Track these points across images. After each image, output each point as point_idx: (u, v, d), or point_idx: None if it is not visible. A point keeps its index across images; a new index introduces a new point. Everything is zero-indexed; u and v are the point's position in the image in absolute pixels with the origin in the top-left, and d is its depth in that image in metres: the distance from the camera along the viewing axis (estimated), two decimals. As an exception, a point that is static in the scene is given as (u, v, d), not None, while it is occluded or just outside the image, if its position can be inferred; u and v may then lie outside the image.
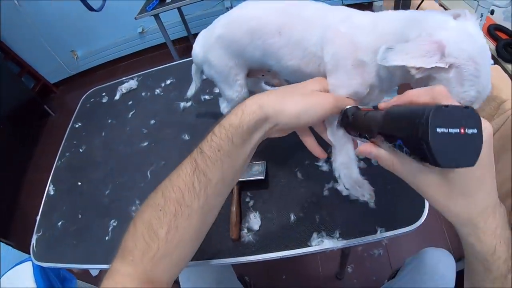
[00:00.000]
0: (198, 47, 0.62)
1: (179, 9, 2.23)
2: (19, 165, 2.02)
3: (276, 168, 0.68)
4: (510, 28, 1.45)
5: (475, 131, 0.24)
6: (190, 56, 0.67)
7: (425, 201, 0.57)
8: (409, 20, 0.41)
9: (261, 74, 0.64)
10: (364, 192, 0.50)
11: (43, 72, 2.51)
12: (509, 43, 1.46)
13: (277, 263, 1.41)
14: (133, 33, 2.67)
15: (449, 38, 0.37)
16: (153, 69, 1.08)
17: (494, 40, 1.46)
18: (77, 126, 1.01)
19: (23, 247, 1.30)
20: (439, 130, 0.23)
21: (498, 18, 1.48)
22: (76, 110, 1.08)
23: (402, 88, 0.50)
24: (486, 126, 0.31)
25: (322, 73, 0.48)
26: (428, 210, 0.56)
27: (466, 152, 0.24)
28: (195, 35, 0.66)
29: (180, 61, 1.07)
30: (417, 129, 0.24)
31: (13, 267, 1.01)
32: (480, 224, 0.32)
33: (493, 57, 1.49)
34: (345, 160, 0.50)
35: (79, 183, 0.84)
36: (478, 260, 0.33)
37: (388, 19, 0.43)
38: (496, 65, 1.48)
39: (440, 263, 0.72)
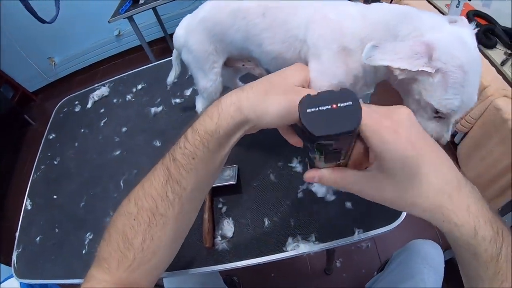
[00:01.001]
0: (181, 30, 0.62)
1: (154, 9, 2.20)
2: (1, 178, 1.99)
3: (248, 171, 0.68)
4: (489, 14, 1.47)
5: (349, 103, 0.26)
6: (167, 57, 0.66)
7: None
8: (402, 15, 0.41)
9: (242, 63, 0.63)
10: None
11: (21, 80, 2.46)
12: (489, 29, 1.48)
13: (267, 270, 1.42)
14: (110, 36, 2.63)
15: (440, 41, 0.37)
16: (124, 74, 1.07)
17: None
18: (51, 137, 1.00)
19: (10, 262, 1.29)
20: (309, 110, 0.26)
21: (477, 4, 1.49)
22: (50, 120, 1.07)
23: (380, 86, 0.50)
24: (403, 109, 0.30)
25: (303, 60, 0.47)
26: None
27: (343, 121, 0.25)
28: (172, 35, 0.65)
29: (151, 64, 1.06)
30: (299, 120, 0.26)
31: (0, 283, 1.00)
32: (446, 204, 0.29)
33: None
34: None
35: (55, 196, 0.83)
36: (463, 247, 0.30)
37: (380, 10, 0.43)
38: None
39: (428, 254, 0.73)
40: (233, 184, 0.64)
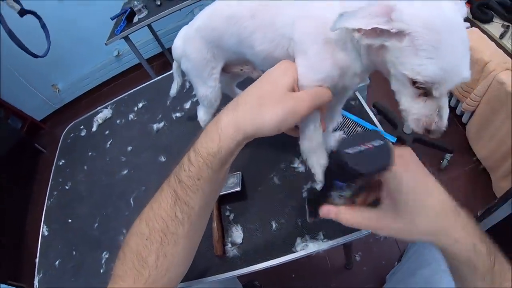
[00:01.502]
0: (179, 41, 0.65)
1: (149, 26, 2.24)
2: (20, 207, 2.05)
3: (252, 177, 0.70)
4: (481, -12, 1.45)
5: (381, 142, 0.30)
6: (167, 72, 0.68)
7: None
8: None
9: (240, 68, 0.65)
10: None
11: (28, 110, 2.54)
12: (483, 4, 1.46)
13: (283, 263, 1.42)
14: (110, 57, 2.69)
15: (404, 4, 0.35)
16: (125, 94, 1.10)
17: (468, 3, 1.45)
18: (61, 163, 1.03)
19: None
20: (350, 151, 0.30)
21: (467, -20, 1.47)
22: (58, 147, 1.10)
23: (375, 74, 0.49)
24: (404, 147, 0.35)
25: (291, 57, 0.48)
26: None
27: (380, 158, 0.30)
28: (170, 49, 0.68)
29: (149, 82, 1.08)
30: (338, 162, 0.31)
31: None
32: (447, 225, 0.34)
33: (469, 20, 1.49)
34: (312, 145, 0.51)
35: (69, 220, 0.86)
36: (463, 263, 0.34)
37: None
38: (473, 28, 1.47)
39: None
40: (238, 191, 0.65)
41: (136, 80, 2.74)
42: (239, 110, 0.39)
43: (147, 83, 1.09)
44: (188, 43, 0.62)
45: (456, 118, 1.66)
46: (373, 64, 0.43)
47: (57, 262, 0.79)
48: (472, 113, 1.48)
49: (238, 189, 0.65)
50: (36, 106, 2.63)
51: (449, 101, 1.66)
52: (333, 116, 0.64)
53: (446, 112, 0.41)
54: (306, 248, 0.56)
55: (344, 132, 0.73)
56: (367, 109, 0.79)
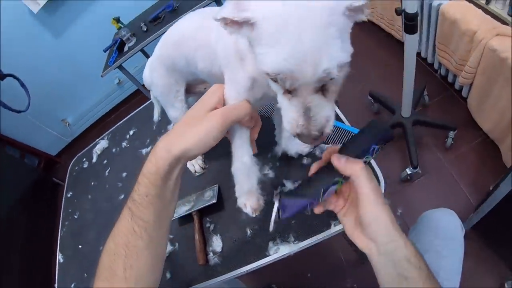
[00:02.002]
0: (146, 70, 0.73)
1: (143, 51, 2.37)
2: (45, 242, 2.21)
3: (228, 188, 0.76)
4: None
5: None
6: None
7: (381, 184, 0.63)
8: None
9: (203, 87, 0.73)
10: (248, 203, 0.52)
11: (42, 147, 2.74)
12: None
13: (298, 263, 1.48)
14: (112, 86, 2.86)
15: None
16: (119, 124, 1.21)
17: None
18: (69, 195, 1.15)
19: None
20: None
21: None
22: (66, 180, 1.23)
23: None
24: (355, 170, 0.42)
25: (223, 73, 0.51)
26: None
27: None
28: None
29: (138, 109, 1.19)
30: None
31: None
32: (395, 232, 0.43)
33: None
34: (240, 166, 0.53)
35: (80, 246, 0.97)
36: (396, 263, 0.42)
37: None
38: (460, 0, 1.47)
39: (440, 224, 0.72)
40: (214, 203, 0.72)
41: (139, 104, 2.87)
42: (171, 133, 0.47)
43: (136, 111, 1.19)
44: (154, 71, 0.70)
45: (456, 93, 1.65)
46: None
47: (72, 285, 0.89)
48: (470, 86, 1.47)
49: (214, 201, 0.72)
50: (50, 142, 2.83)
51: (446, 76, 1.66)
52: None
53: (316, 113, 0.38)
54: (278, 251, 0.60)
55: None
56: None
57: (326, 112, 0.39)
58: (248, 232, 0.67)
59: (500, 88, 1.30)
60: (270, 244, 0.62)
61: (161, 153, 0.46)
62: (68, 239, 1.02)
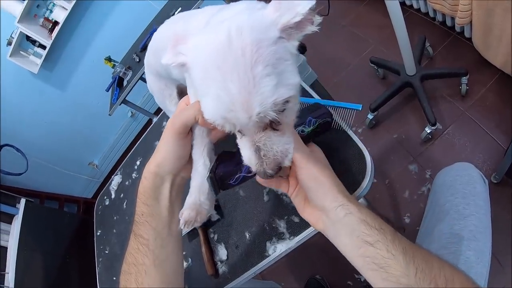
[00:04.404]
0: (147, 81, 0.77)
1: (144, 80, 2.47)
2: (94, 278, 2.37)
3: (224, 196, 0.78)
4: None
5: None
6: None
7: (368, 162, 0.59)
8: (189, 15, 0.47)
9: None
10: (186, 215, 0.49)
11: (78, 193, 2.95)
12: None
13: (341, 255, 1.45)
14: (126, 119, 3.02)
15: (194, 33, 0.36)
16: (127, 157, 1.28)
17: None
18: (98, 233, 1.24)
19: None
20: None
21: None
22: (94, 220, 1.32)
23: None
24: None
25: None
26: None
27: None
28: None
29: (140, 139, 1.25)
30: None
31: None
32: (342, 196, 0.43)
33: None
34: (194, 175, 0.51)
35: (114, 278, 1.04)
36: (361, 231, 0.41)
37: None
38: None
39: (456, 180, 0.66)
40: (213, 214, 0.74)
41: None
42: (153, 155, 0.51)
43: (139, 141, 1.26)
44: (147, 79, 0.75)
45: (459, 36, 1.56)
46: None
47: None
48: (471, 24, 1.38)
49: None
50: (84, 187, 3.04)
51: (444, 21, 1.56)
52: None
53: (267, 151, 0.37)
54: (276, 249, 0.61)
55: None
56: (307, 89, 0.81)
57: (279, 147, 0.38)
58: (247, 235, 0.68)
59: (501, 17, 1.21)
60: (268, 244, 0.63)
61: (144, 172, 0.50)
62: (104, 274, 1.10)
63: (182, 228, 0.50)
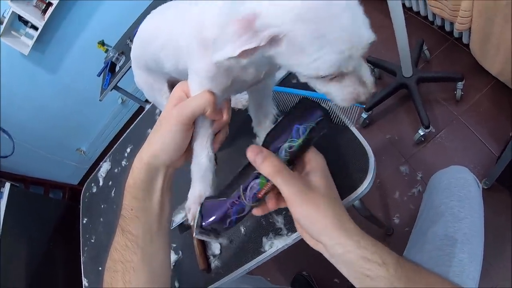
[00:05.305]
0: (134, 77, 0.71)
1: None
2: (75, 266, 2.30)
3: (217, 186, 0.74)
4: None
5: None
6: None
7: (371, 162, 0.56)
8: None
9: None
10: (193, 209, 0.47)
11: (64, 179, 2.84)
12: None
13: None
14: (117, 106, 2.92)
15: (265, 4, 0.32)
16: (117, 144, 1.22)
17: None
18: (84, 221, 1.19)
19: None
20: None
21: None
22: (80, 208, 1.26)
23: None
24: (268, 171, 0.39)
25: None
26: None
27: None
28: None
29: (131, 126, 1.19)
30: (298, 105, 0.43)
31: None
32: (338, 233, 0.39)
33: None
34: (196, 166, 0.48)
35: (100, 268, 0.99)
36: (361, 266, 0.38)
37: None
38: None
39: (451, 182, 0.64)
40: None
41: (144, 119, 2.95)
42: (144, 144, 0.46)
43: (130, 128, 1.20)
44: (135, 74, 0.69)
45: (457, 42, 1.55)
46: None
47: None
48: (470, 30, 1.37)
49: None
50: (70, 173, 2.94)
51: (443, 26, 1.55)
52: (265, 111, 0.63)
53: (367, 74, 0.38)
54: (272, 245, 0.59)
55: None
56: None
57: (368, 70, 0.39)
58: (242, 230, 0.65)
59: (500, 26, 1.21)
60: (264, 239, 0.60)
61: (135, 163, 0.46)
62: (89, 264, 1.05)
63: (191, 224, 0.47)
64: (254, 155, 0.40)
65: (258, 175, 0.41)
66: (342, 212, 0.42)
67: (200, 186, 0.48)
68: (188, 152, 0.49)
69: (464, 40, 1.46)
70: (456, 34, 1.50)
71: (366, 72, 0.38)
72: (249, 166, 0.43)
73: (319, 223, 0.40)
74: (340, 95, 0.39)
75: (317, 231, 0.40)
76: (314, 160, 0.44)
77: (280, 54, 0.34)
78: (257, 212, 0.45)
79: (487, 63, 1.38)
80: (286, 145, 0.40)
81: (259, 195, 0.41)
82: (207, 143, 0.47)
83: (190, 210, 0.48)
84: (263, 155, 0.40)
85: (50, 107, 2.55)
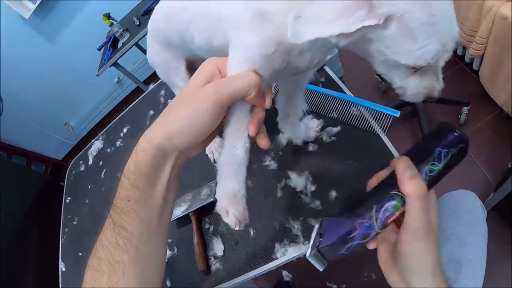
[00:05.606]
0: (147, 51, 0.65)
1: (139, 46, 2.30)
2: (52, 247, 2.20)
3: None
4: None
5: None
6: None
7: None
8: None
9: None
10: (231, 210, 0.40)
11: (48, 152, 2.71)
12: None
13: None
14: (112, 85, 2.80)
15: None
16: (112, 122, 1.14)
17: None
18: (68, 201, 1.11)
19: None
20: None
21: None
22: (65, 186, 1.17)
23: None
24: (413, 191, 0.34)
25: (229, 43, 0.41)
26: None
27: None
28: None
29: (130, 106, 1.12)
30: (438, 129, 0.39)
31: None
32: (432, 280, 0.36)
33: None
34: (229, 158, 0.41)
35: (80, 254, 0.92)
36: None
37: None
38: (464, -35, 1.36)
39: (460, 206, 0.63)
40: (213, 201, 0.64)
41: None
42: (154, 124, 0.37)
43: (129, 107, 1.13)
44: (150, 49, 0.63)
45: (466, 67, 1.54)
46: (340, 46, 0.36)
47: (76, 296, 0.85)
48: (482, 57, 1.37)
49: (212, 199, 0.64)
50: (55, 147, 2.81)
51: (456, 50, 1.55)
52: (295, 105, 0.59)
53: (440, 72, 0.37)
54: (286, 253, 0.54)
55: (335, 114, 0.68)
56: (338, 83, 0.75)
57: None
58: (251, 232, 0.60)
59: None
60: (277, 245, 0.55)
61: (142, 144, 0.37)
62: (68, 247, 0.97)
63: (235, 228, 0.41)
64: (405, 168, 0.35)
65: (395, 197, 0.35)
66: (438, 257, 0.37)
67: (233, 182, 0.41)
68: (207, 140, 0.41)
69: (475, 67, 1.45)
70: (467, 59, 1.49)
71: (440, 70, 0.37)
72: (382, 185, 0.38)
73: (423, 264, 0.36)
74: (416, 88, 0.37)
75: (416, 271, 0.36)
76: (432, 195, 0.39)
77: (383, 38, 0.31)
78: (372, 244, 0.39)
79: (494, 91, 1.37)
80: (428, 167, 0.36)
81: (389, 221, 0.35)
82: (244, 132, 0.40)
83: (228, 213, 0.40)
84: (414, 172, 0.35)
85: (43, 76, 2.42)
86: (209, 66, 0.38)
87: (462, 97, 1.41)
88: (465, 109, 1.40)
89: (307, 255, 0.38)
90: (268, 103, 0.40)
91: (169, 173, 0.38)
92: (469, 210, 0.62)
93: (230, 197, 0.41)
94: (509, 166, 1.25)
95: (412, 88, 0.37)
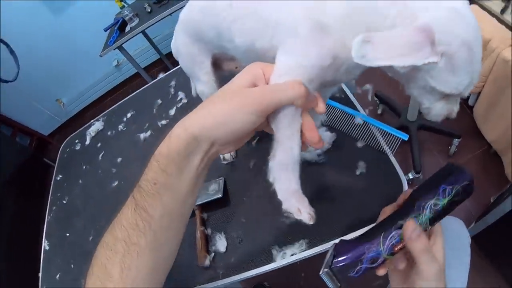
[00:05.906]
0: (173, 39, 0.64)
1: (144, 33, 2.26)
2: (33, 226, 2.12)
3: (235, 181, 0.69)
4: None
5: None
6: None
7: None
8: None
9: (234, 66, 0.63)
10: (301, 207, 0.43)
11: (35, 126, 2.62)
12: (483, -21, 1.40)
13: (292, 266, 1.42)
14: (110, 68, 2.75)
15: (437, 21, 0.33)
16: (115, 105, 1.12)
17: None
18: (58, 178, 1.07)
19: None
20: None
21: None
22: (56, 162, 1.13)
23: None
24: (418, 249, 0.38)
25: (275, 47, 0.42)
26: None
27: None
28: (168, 54, 0.67)
29: (137, 91, 1.10)
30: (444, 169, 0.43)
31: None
32: None
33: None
34: (286, 159, 0.42)
35: (67, 234, 0.89)
36: None
37: None
38: (472, 5, 1.41)
39: (449, 230, 0.65)
40: (220, 198, 0.64)
41: (137, 88, 2.77)
42: (192, 113, 0.37)
43: (135, 93, 1.11)
44: (177, 38, 0.62)
45: (462, 101, 1.60)
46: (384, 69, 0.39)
47: (57, 276, 0.81)
48: (478, 94, 1.42)
49: (220, 196, 0.64)
50: (43, 121, 2.72)
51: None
52: (315, 115, 0.57)
53: (459, 98, 0.42)
54: (285, 256, 0.54)
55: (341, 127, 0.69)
56: (353, 100, 0.76)
57: None
58: (256, 233, 0.60)
59: (509, 99, 1.26)
60: (278, 248, 0.56)
61: (176, 130, 0.37)
62: (55, 225, 0.94)
63: (310, 223, 0.43)
64: (411, 231, 0.39)
65: (401, 227, 0.40)
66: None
67: (294, 182, 0.43)
68: (239, 141, 0.41)
69: (470, 102, 1.51)
70: (463, 94, 1.54)
71: (458, 100, 0.42)
72: (393, 214, 0.43)
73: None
74: (440, 110, 0.42)
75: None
76: (438, 228, 0.44)
77: (431, 69, 0.35)
78: (381, 270, 0.42)
79: (485, 128, 1.43)
80: (432, 202, 0.41)
81: (396, 248, 0.40)
82: (298, 133, 0.41)
83: (300, 211, 0.43)
84: (419, 232, 0.40)
85: (43, 48, 2.35)
86: (256, 68, 0.39)
87: (454, 130, 1.47)
88: (456, 141, 1.45)
89: (320, 272, 0.41)
90: (321, 107, 0.41)
91: (199, 163, 0.38)
92: (456, 236, 0.64)
93: (296, 196, 0.43)
94: (492, 200, 1.30)
95: (437, 110, 0.42)
